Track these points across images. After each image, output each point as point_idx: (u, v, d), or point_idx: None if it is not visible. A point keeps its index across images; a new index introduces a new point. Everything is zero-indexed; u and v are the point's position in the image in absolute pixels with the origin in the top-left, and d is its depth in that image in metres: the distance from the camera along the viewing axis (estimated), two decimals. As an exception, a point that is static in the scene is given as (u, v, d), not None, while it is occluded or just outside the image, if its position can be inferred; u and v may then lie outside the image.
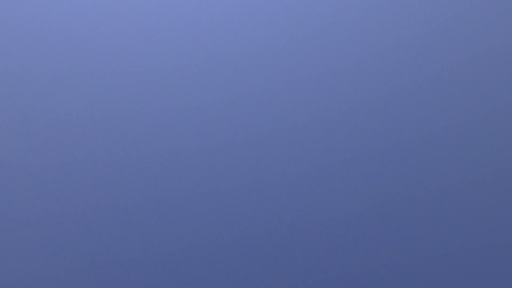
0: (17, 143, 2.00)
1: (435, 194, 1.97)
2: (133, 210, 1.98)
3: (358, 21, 2.08)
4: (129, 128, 2.03)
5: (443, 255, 1.94)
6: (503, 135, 1.99)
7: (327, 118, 2.03)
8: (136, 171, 2.01)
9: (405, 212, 1.97)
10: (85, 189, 1.99)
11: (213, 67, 2.07)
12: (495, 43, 2.04)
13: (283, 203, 1.99)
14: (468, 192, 1.97)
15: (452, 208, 1.96)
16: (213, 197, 2.00)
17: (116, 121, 2.03)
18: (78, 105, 2.04)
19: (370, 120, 2.03)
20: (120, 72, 2.06)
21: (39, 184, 1.98)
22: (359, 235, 1.96)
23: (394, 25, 2.07)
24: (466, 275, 1.92)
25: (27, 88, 2.04)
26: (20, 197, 1.97)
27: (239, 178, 2.01)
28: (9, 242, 1.94)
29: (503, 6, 2.01)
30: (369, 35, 2.07)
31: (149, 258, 1.96)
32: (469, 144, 2.00)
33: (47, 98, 2.03)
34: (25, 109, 2.02)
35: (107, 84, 2.05)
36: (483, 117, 2.01)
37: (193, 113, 2.04)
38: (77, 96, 2.05)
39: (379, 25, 2.07)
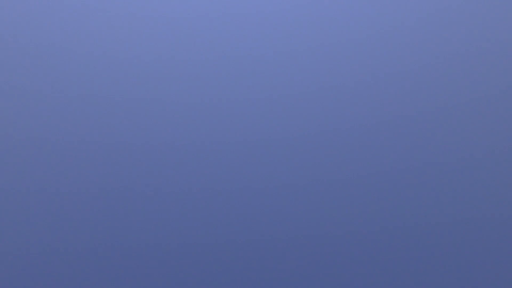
0: (17, 142, 2.00)
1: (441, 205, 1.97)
2: (133, 212, 1.98)
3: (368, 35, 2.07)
4: (130, 127, 2.03)
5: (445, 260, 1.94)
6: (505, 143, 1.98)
7: (328, 121, 2.03)
8: (136, 171, 2.01)
9: (409, 217, 1.97)
10: (83, 190, 1.99)
11: (214, 68, 2.06)
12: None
13: (282, 205, 1.99)
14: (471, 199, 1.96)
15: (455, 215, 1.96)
16: (212, 198, 2.00)
17: (118, 119, 2.03)
18: (77, 105, 2.04)
19: (372, 124, 2.02)
20: (122, 71, 2.05)
21: (39, 183, 1.99)
22: (361, 240, 1.96)
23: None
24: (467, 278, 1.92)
25: (25, 85, 2.04)
26: (19, 195, 1.98)
27: (240, 179, 2.01)
28: (8, 239, 1.95)
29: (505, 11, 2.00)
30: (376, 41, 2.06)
31: (148, 258, 1.96)
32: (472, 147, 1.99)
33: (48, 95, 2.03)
34: (24, 109, 2.02)
35: (109, 82, 2.05)
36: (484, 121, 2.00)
37: (194, 113, 2.04)
38: (76, 96, 2.04)
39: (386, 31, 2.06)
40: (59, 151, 2.01)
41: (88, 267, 1.95)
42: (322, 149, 2.01)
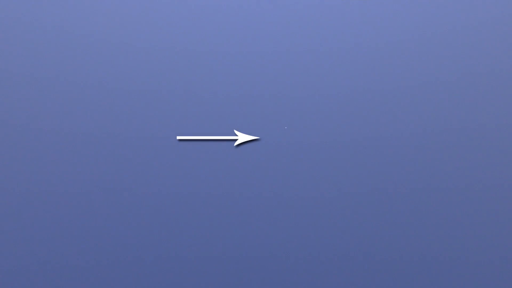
0: (19, 144, 2.01)
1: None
2: (134, 216, 1.98)
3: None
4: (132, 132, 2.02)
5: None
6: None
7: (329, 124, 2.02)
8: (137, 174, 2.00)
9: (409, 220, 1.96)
10: (84, 192, 1.99)
11: (217, 69, 2.06)
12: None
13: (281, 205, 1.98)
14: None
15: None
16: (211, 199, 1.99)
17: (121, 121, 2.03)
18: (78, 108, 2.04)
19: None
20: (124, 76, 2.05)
21: (40, 184, 1.98)
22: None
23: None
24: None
25: (27, 83, 2.04)
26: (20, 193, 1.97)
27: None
28: (9, 238, 1.95)
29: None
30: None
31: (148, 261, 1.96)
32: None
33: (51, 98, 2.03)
34: (26, 111, 2.02)
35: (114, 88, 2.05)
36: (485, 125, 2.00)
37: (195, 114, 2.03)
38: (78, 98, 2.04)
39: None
40: (57, 149, 2.01)
41: (85, 266, 1.95)
42: (321, 150, 2.01)
